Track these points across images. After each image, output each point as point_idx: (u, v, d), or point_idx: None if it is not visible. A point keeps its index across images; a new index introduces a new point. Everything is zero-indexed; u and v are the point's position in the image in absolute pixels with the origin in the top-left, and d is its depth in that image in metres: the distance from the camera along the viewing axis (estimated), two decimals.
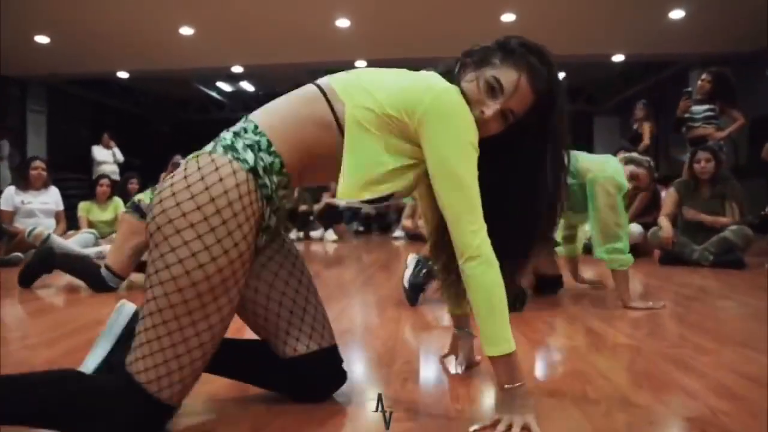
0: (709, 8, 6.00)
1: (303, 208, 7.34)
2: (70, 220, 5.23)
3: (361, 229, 8.38)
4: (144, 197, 3.01)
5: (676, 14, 6.20)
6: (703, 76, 5.17)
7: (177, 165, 5.56)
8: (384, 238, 7.32)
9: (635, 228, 4.33)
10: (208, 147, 1.10)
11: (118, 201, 5.58)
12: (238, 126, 1.12)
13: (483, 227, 1.06)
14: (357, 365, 1.53)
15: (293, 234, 7.04)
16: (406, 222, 6.92)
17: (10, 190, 4.81)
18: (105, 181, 5.52)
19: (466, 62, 1.17)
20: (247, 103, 11.98)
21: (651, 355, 1.63)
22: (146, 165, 11.50)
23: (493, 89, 1.10)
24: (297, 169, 1.12)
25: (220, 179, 1.01)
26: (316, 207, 7.40)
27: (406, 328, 2.01)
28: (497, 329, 1.04)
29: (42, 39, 7.01)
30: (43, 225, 4.66)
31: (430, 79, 1.13)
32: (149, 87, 11.05)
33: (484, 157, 1.10)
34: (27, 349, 1.74)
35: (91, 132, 9.85)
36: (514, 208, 1.18)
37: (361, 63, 8.16)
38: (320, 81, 1.16)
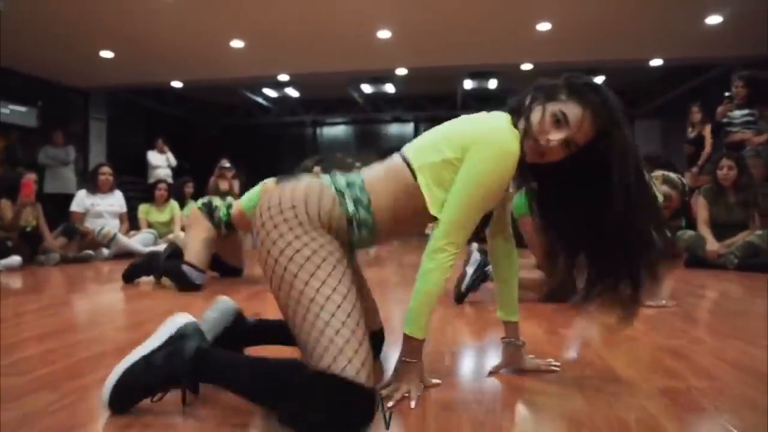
0: (745, 13, 6.00)
1: None
2: (130, 221, 5.69)
3: None
4: (220, 204, 3.33)
5: (714, 19, 6.22)
6: (737, 82, 5.23)
7: (224, 168, 5.98)
8: (421, 241, 7.50)
9: None
10: (327, 180, 1.34)
11: (174, 204, 6.02)
12: (352, 176, 1.36)
13: (456, 250, 1.28)
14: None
15: None
16: None
17: (81, 193, 5.27)
18: (163, 185, 5.95)
19: (536, 96, 1.32)
20: (293, 108, 12.44)
21: (647, 345, 1.85)
22: (196, 167, 12.13)
23: (559, 121, 1.26)
24: (386, 227, 1.36)
25: (319, 202, 1.27)
26: None
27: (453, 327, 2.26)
28: (422, 317, 1.28)
29: (107, 54, 7.57)
30: (110, 225, 5.12)
31: (492, 122, 1.31)
32: (199, 95, 11.62)
33: (555, 184, 1.35)
34: (117, 331, 2.09)
35: (145, 138, 10.45)
36: (594, 230, 1.30)
37: (401, 71, 8.45)
38: (403, 152, 1.38)
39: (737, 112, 5.19)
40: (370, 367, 1.14)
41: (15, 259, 4.03)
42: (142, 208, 5.85)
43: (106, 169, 5.37)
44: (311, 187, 1.30)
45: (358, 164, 13.16)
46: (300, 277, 1.19)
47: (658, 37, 6.86)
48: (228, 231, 3.31)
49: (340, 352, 1.11)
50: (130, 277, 3.30)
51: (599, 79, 9.81)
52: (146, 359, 1.20)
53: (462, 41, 6.97)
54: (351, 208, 1.30)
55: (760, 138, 5.02)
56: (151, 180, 8.92)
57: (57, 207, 5.94)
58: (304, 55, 7.67)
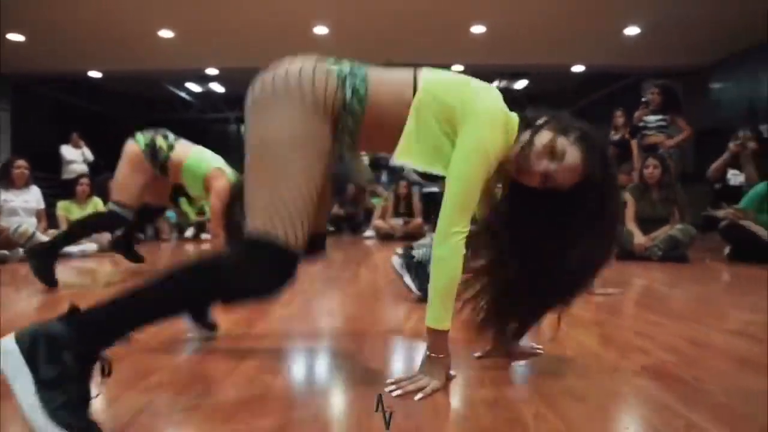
0: (661, 26, 6.51)
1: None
2: (48, 219, 5.27)
3: (331, 229, 8.58)
4: (163, 143, 3.13)
5: (632, 30, 6.70)
6: (653, 89, 5.64)
7: None
8: (355, 238, 7.54)
9: None
10: (330, 61, 1.31)
11: (97, 200, 5.65)
12: (356, 67, 1.32)
13: (465, 230, 1.25)
14: (356, 365, 1.55)
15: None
16: (378, 222, 7.20)
17: None
18: (85, 180, 5.57)
19: (552, 121, 1.33)
20: (216, 104, 12.04)
21: (613, 328, 1.95)
22: (111, 164, 11.44)
23: (554, 155, 1.27)
24: (369, 129, 1.31)
25: (314, 81, 1.25)
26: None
27: (407, 325, 2.22)
28: (445, 309, 1.26)
29: (15, 36, 6.97)
30: (27, 223, 4.71)
31: (496, 99, 1.32)
32: (116, 86, 10.98)
33: (526, 201, 1.36)
34: None
35: (57, 131, 9.75)
36: (540, 262, 1.37)
37: None
38: (417, 71, 1.35)
39: (652, 117, 5.60)
40: (301, 239, 1.18)
41: None
42: (62, 205, 5.45)
43: (21, 163, 4.93)
44: (319, 68, 1.28)
45: None
46: (277, 151, 1.19)
47: (581, 44, 7.28)
48: (162, 174, 3.15)
49: (279, 217, 1.15)
50: (51, 280, 2.88)
51: (523, 83, 10.33)
52: (41, 387, 0.98)
53: (398, 39, 7.05)
54: (348, 94, 1.27)
55: (670, 142, 5.47)
56: (66, 176, 8.36)
57: None
58: (236, 49, 7.44)
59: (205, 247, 6.02)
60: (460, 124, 1.28)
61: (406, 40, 7.03)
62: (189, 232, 6.92)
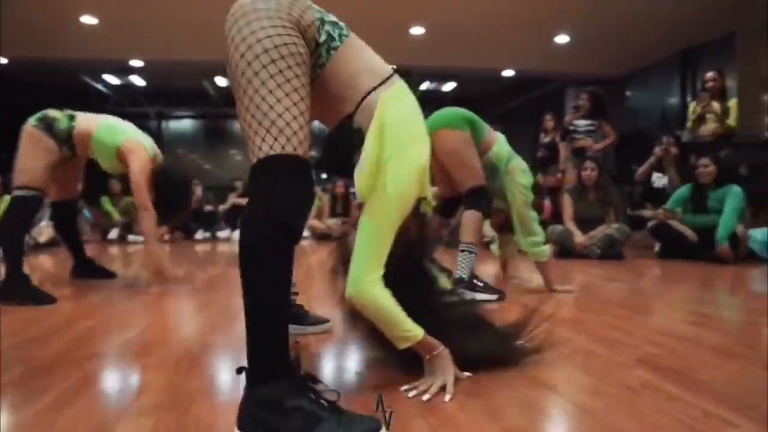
0: (588, 35, 6.89)
1: (208, 208, 7.22)
2: None
3: None
4: (58, 115, 2.82)
5: (562, 39, 7.04)
6: (582, 95, 5.95)
7: None
8: None
9: None
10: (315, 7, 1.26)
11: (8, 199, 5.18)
12: (342, 23, 1.30)
13: (381, 272, 1.23)
14: (356, 365, 1.54)
15: (199, 234, 6.91)
16: (314, 222, 7.09)
17: None
18: None
19: None
20: (135, 98, 11.38)
21: (592, 324, 2.02)
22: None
23: None
24: (321, 82, 1.26)
25: (293, 3, 1.19)
26: (222, 207, 7.32)
27: None
28: (396, 328, 1.24)
29: None
30: None
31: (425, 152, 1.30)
32: (24, 76, 10.09)
33: None
34: None
35: None
36: None
37: None
38: (395, 77, 1.33)
39: (582, 122, 5.90)
40: (307, 147, 1.12)
41: None
42: None
43: None
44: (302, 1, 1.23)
45: (207, 166, 12.44)
46: (259, 61, 1.10)
47: (511, 49, 7.55)
48: (69, 151, 2.85)
49: (280, 132, 1.08)
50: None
51: (451, 85, 10.59)
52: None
53: None
54: (323, 36, 1.23)
55: (597, 146, 5.79)
56: None
57: None
58: (162, 40, 7.05)
59: (133, 249, 5.66)
60: (387, 161, 1.23)
61: None
62: (113, 234, 6.48)
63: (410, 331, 1.25)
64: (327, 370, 1.51)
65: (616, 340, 1.75)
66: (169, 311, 2.41)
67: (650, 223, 4.64)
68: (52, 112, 2.82)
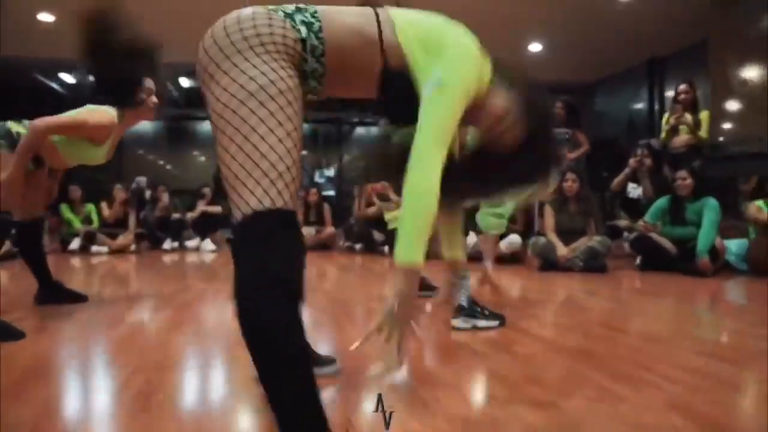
0: (560, 43, 6.97)
1: (176, 216, 6.94)
2: None
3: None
4: (20, 128, 2.53)
5: (535, 47, 7.08)
6: (557, 104, 5.98)
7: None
8: None
9: (515, 238, 4.89)
10: (270, 6, 1.16)
11: None
12: (300, 5, 1.19)
13: (444, 152, 1.16)
14: (355, 366, 1.53)
15: (167, 244, 6.64)
16: None
17: None
18: None
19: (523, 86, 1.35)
20: (92, 97, 10.94)
21: (604, 357, 1.96)
22: None
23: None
24: (334, 67, 1.18)
25: (270, 26, 1.09)
26: (190, 215, 7.04)
27: None
28: (415, 238, 1.11)
29: None
30: None
31: (471, 36, 1.27)
32: None
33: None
34: None
35: None
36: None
37: None
38: (384, 9, 1.24)
39: (556, 131, 5.93)
40: (291, 201, 1.03)
41: None
42: None
43: None
44: (257, 12, 1.12)
45: (168, 167, 12.06)
46: (246, 105, 1.02)
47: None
48: (34, 165, 2.59)
49: (271, 183, 1.00)
50: None
51: None
52: None
53: None
54: (303, 30, 1.14)
55: (572, 155, 5.83)
56: None
57: None
58: None
59: (97, 260, 5.38)
60: (437, 56, 1.19)
61: None
62: (75, 244, 6.13)
63: (420, 254, 1.11)
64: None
65: (636, 378, 1.68)
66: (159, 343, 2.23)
67: (630, 235, 4.68)
68: (11, 125, 2.56)
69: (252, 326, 0.95)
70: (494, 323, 2.36)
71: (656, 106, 8.06)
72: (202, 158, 12.11)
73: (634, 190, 5.32)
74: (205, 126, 12.23)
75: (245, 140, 1.00)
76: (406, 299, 1.12)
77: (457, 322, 2.30)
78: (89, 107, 2.63)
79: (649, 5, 5.79)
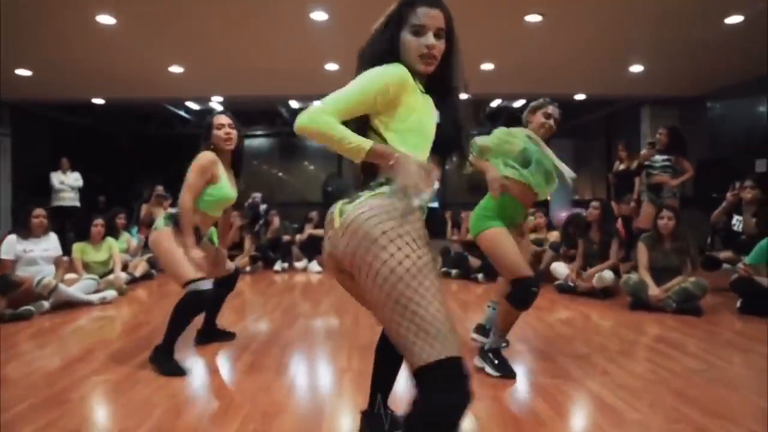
0: (662, 64, 6.74)
1: (286, 238, 7.53)
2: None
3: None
4: (171, 211, 3.01)
5: (636, 68, 6.92)
6: (661, 130, 5.83)
7: (161, 196, 5.75)
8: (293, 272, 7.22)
9: (608, 274, 4.88)
10: (386, 191, 1.34)
11: (111, 240, 5.71)
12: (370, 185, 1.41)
13: (328, 113, 1.33)
14: (357, 369, 1.69)
15: (278, 265, 7.22)
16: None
17: (12, 239, 4.75)
18: (99, 221, 5.59)
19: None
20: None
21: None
22: (108, 182, 11.38)
23: (438, 36, 1.51)
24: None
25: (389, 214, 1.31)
26: (299, 237, 7.60)
27: None
28: (342, 139, 1.32)
29: (23, 72, 6.98)
30: (45, 272, 4.69)
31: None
32: (114, 110, 10.90)
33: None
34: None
35: (51, 151, 9.74)
36: None
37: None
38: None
39: (658, 157, 5.78)
40: (457, 349, 1.21)
41: None
42: (77, 248, 5.49)
43: (39, 211, 4.87)
44: (387, 201, 1.31)
45: (281, 174, 13.03)
46: (408, 286, 1.22)
47: (584, 77, 7.49)
48: (197, 238, 2.96)
49: (442, 339, 1.19)
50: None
51: (520, 102, 10.53)
52: None
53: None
54: (416, 202, 1.30)
55: (675, 182, 5.65)
56: (55, 203, 8.39)
57: None
58: (240, 81, 7.59)
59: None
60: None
61: None
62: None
63: (361, 143, 1.32)
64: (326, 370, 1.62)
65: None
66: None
67: (730, 267, 4.52)
68: (172, 211, 3.00)
69: None
70: (497, 374, 2.64)
71: None
72: (311, 167, 13.01)
73: (740, 223, 5.07)
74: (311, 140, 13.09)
75: (405, 309, 1.23)
76: (399, 163, 1.30)
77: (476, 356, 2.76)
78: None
79: (756, 26, 5.46)
